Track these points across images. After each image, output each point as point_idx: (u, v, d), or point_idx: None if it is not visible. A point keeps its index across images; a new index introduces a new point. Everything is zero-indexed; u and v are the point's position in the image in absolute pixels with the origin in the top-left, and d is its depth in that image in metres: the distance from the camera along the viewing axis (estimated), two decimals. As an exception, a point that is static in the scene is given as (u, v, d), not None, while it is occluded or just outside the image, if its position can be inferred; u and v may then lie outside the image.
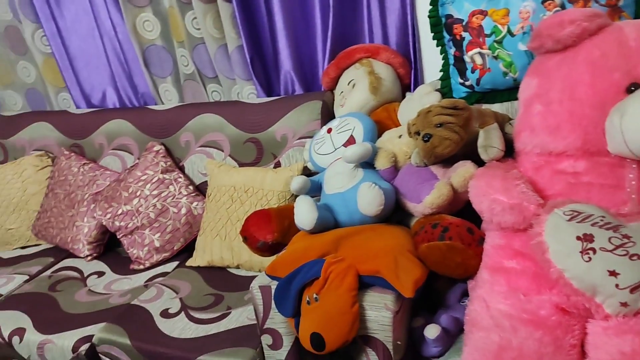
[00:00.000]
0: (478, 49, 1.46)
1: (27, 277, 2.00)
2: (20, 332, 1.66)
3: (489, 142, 1.25)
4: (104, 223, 1.99)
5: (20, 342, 1.64)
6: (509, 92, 1.48)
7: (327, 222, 1.36)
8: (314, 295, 1.17)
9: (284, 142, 1.85)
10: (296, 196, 1.69)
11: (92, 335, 1.58)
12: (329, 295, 1.15)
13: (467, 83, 1.52)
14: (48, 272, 2.01)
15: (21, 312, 1.74)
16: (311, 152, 1.60)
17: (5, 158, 2.45)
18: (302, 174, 1.68)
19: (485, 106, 1.50)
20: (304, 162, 1.76)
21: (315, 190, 1.53)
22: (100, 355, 1.58)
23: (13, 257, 2.20)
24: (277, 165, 1.87)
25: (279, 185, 1.73)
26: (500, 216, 1.09)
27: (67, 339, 1.58)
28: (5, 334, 1.67)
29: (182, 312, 1.60)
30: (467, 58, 1.49)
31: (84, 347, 1.56)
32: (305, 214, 1.32)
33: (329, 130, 1.57)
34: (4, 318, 1.72)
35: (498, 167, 1.21)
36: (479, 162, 1.27)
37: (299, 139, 1.82)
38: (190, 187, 1.99)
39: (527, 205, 1.07)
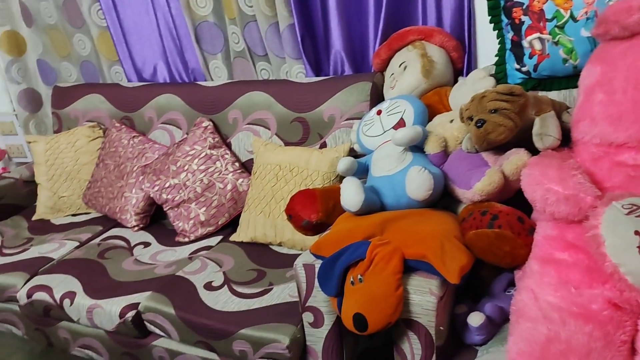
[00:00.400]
0: (538, 34, 1.41)
1: (78, 244, 2.07)
2: (71, 295, 1.72)
3: (545, 130, 1.22)
4: (152, 195, 2.04)
5: (71, 305, 1.71)
6: (568, 80, 1.44)
7: (373, 205, 1.36)
8: (359, 276, 1.17)
9: (331, 122, 1.84)
10: (341, 178, 1.70)
11: (139, 303, 1.63)
12: (374, 277, 1.15)
13: (523, 69, 1.48)
14: (97, 240, 2.07)
15: (72, 277, 1.81)
16: (359, 134, 1.59)
17: (59, 128, 2.52)
18: (348, 156, 1.67)
19: (541, 94, 1.46)
20: (350, 144, 1.76)
21: (361, 172, 1.52)
22: (145, 322, 1.62)
23: (64, 223, 2.28)
24: (323, 145, 1.87)
25: (324, 166, 1.74)
26: (555, 206, 1.07)
27: (114, 305, 1.64)
28: (57, 296, 1.73)
29: (226, 286, 1.63)
30: (525, 43, 1.45)
31: (130, 314, 1.62)
32: (352, 195, 1.32)
33: (379, 112, 1.56)
34: (56, 281, 1.79)
35: (554, 156, 1.17)
36: (533, 151, 1.24)
37: (347, 120, 1.81)
38: (237, 164, 2.01)
39: (584, 196, 1.04)
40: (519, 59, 1.48)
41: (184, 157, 2.02)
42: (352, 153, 1.74)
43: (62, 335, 1.84)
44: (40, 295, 1.77)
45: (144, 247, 1.98)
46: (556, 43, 1.39)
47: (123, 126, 2.28)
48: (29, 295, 1.80)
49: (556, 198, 1.06)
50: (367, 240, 1.23)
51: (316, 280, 1.29)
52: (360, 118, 1.76)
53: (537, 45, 1.43)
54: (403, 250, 1.19)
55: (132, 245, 2.01)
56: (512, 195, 1.29)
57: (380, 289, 1.13)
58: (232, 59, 2.18)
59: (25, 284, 1.84)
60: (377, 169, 1.43)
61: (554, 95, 1.46)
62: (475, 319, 1.18)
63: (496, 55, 1.56)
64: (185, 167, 2.00)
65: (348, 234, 1.29)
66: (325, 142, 1.87)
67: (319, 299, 1.31)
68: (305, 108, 1.89)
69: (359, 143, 1.60)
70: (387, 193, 1.37)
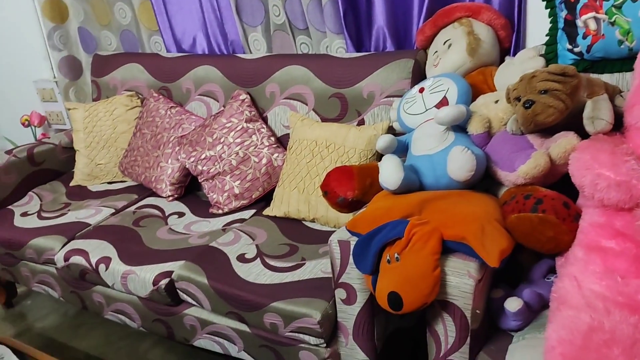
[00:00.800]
0: (593, 13, 1.35)
1: (114, 211, 2.10)
2: (106, 260, 1.75)
3: (597, 113, 1.17)
4: (187, 166, 2.05)
5: (106, 270, 1.74)
6: (622, 63, 1.38)
7: (412, 184, 1.33)
8: (395, 255, 1.15)
9: (370, 99, 1.81)
10: (378, 156, 1.68)
11: (172, 272, 1.65)
12: (411, 257, 1.13)
13: (576, 50, 1.42)
14: (132, 208, 2.10)
15: (108, 243, 1.83)
16: (400, 112, 1.56)
17: (98, 96, 2.55)
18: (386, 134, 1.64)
19: (594, 76, 1.40)
20: (389, 122, 1.73)
21: (400, 151, 1.49)
22: (178, 290, 1.64)
23: (101, 190, 2.31)
24: (361, 122, 1.85)
25: (361, 143, 1.71)
26: (604, 193, 1.03)
27: (148, 272, 1.66)
28: (93, 261, 1.77)
29: (258, 259, 1.63)
30: (579, 22, 1.39)
31: (163, 282, 1.63)
32: (391, 173, 1.29)
33: (421, 90, 1.52)
34: (93, 246, 1.82)
35: (605, 140, 1.13)
36: (581, 136, 1.19)
37: (386, 97, 1.78)
38: (272, 138, 2.00)
39: (637, 183, 1.00)
40: (572, 39, 1.42)
41: (220, 129, 2.02)
42: (391, 131, 1.71)
43: (97, 299, 1.88)
44: (76, 259, 1.81)
45: (178, 217, 2.00)
46: (612, 23, 1.33)
47: (161, 96, 2.29)
48: (65, 259, 1.83)
49: (607, 184, 1.02)
50: (405, 219, 1.21)
51: (351, 257, 1.28)
52: (400, 96, 1.72)
53: (592, 25, 1.37)
54: (442, 231, 1.17)
55: (166, 214, 2.03)
56: (556, 180, 1.25)
57: (417, 268, 1.11)
58: (272, 32, 2.15)
59: (62, 247, 1.88)
60: (417, 148, 1.40)
61: (606, 78, 1.40)
62: (513, 304, 1.16)
63: (547, 35, 1.50)
64: (221, 140, 2.00)
65: (385, 212, 1.27)
66: (363, 119, 1.84)
67: (353, 275, 1.30)
68: (344, 84, 1.87)
69: (399, 121, 1.57)
70: (427, 173, 1.34)
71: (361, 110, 1.84)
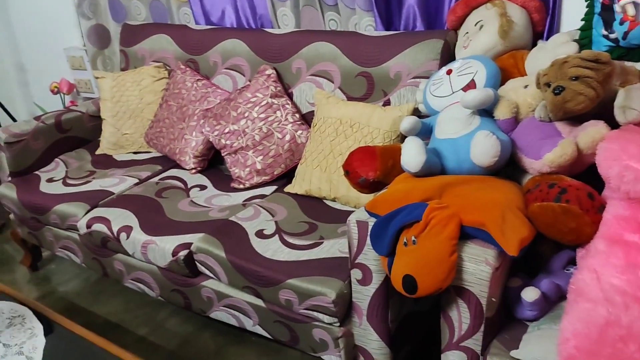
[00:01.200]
0: (633, -2, 1.30)
1: (137, 181, 2.12)
2: (127, 229, 1.78)
3: (629, 102, 1.13)
4: (211, 139, 2.05)
5: (127, 238, 1.77)
6: (660, 51, 1.33)
7: (434, 167, 1.32)
8: (412, 238, 1.14)
9: (397, 79, 1.79)
10: (402, 138, 1.65)
11: (191, 243, 1.66)
12: (429, 240, 1.12)
13: (611, 36, 1.37)
14: (156, 179, 2.12)
15: (130, 212, 1.86)
16: (426, 93, 1.54)
17: (126, 65, 2.57)
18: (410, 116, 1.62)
19: (628, 64, 1.35)
20: (414, 103, 1.70)
21: (424, 133, 1.47)
22: (196, 262, 1.66)
23: (126, 160, 2.34)
24: (387, 103, 1.82)
25: (385, 124, 1.69)
26: (632, 185, 1.00)
27: (168, 243, 1.68)
28: (115, 229, 1.80)
29: (277, 235, 1.64)
30: (617, 7, 1.33)
31: (182, 253, 1.65)
32: (413, 155, 1.28)
33: (449, 72, 1.49)
34: (115, 214, 1.85)
35: (636, 131, 1.09)
36: (611, 125, 1.16)
37: (413, 78, 1.75)
38: (297, 115, 1.99)
39: (666, 177, 0.97)
40: (608, 24, 1.37)
41: (245, 103, 2.02)
42: (416, 113, 1.68)
43: (117, 267, 1.92)
44: (98, 227, 1.84)
45: (200, 190, 2.01)
46: (652, 9, 1.28)
47: (188, 69, 2.29)
48: (88, 226, 1.87)
49: (634, 176, 1.00)
50: (425, 203, 1.20)
51: (368, 238, 1.27)
52: (427, 77, 1.69)
53: (631, 11, 1.31)
54: (461, 216, 1.15)
55: (188, 187, 2.05)
56: (582, 170, 1.22)
57: (434, 252, 1.10)
58: (300, 7, 2.13)
59: (85, 214, 1.92)
60: (441, 131, 1.38)
61: (641, 66, 1.35)
62: (530, 294, 1.14)
63: (582, 19, 1.45)
64: (246, 114, 2.00)
65: (405, 195, 1.26)
66: (389, 99, 1.81)
67: (369, 256, 1.30)
68: (372, 63, 1.84)
69: (425, 103, 1.55)
70: (450, 157, 1.32)
71: (387, 90, 1.81)
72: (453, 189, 1.24)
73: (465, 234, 1.15)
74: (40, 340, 1.37)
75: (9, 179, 2.23)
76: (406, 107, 1.69)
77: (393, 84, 1.80)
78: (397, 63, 1.78)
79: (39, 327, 1.43)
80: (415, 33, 1.81)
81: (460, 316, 1.17)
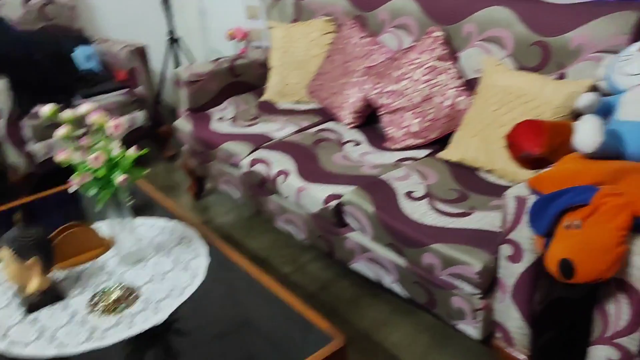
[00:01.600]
0: None
1: (297, 129, 2.23)
2: (285, 173, 1.88)
3: None
4: (370, 97, 2.08)
5: (284, 182, 1.88)
6: None
7: (611, 151, 1.22)
8: (577, 222, 1.08)
9: (577, 52, 1.66)
10: (574, 116, 1.55)
11: (342, 195, 1.73)
12: (596, 227, 1.05)
13: None
14: (314, 129, 2.21)
15: (289, 157, 1.97)
16: (612, 70, 1.41)
17: (297, 17, 2.66)
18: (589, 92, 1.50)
19: None
20: (593, 80, 1.57)
21: (601, 113, 1.36)
22: (345, 213, 1.72)
23: (287, 109, 2.46)
24: (561, 77, 1.70)
25: (557, 99, 1.59)
26: None
27: (321, 191, 1.76)
28: (274, 172, 1.91)
29: (426, 199, 1.64)
30: None
31: (333, 202, 1.72)
32: (589, 135, 1.20)
33: (643, 49, 1.36)
34: (275, 158, 1.97)
35: None
36: None
37: (597, 52, 1.61)
38: (460, 80, 1.94)
39: None
40: None
41: (408, 64, 2.00)
42: (593, 90, 1.56)
43: (271, 207, 2.05)
44: (259, 168, 1.98)
45: (354, 145, 2.06)
46: None
47: (355, 25, 2.32)
48: (250, 165, 2.01)
49: None
50: (594, 187, 1.12)
51: (525, 215, 1.23)
52: (613, 52, 1.55)
53: None
54: (636, 207, 1.06)
55: (343, 141, 2.10)
56: None
57: (600, 240, 1.04)
58: (479, -32, 2.04)
59: (248, 154, 2.06)
60: (625, 112, 1.27)
61: None
62: None
63: None
64: (408, 75, 1.99)
65: (574, 176, 1.19)
66: (564, 73, 1.70)
67: (523, 234, 1.26)
68: (551, 32, 1.72)
69: (608, 81, 1.43)
70: (632, 141, 1.22)
71: (565, 63, 1.69)
72: (631, 177, 1.14)
73: (638, 226, 1.07)
74: (203, 260, 1.53)
75: (187, 113, 2.46)
76: (583, 83, 1.57)
77: (572, 56, 1.67)
78: (580, 34, 1.65)
79: (204, 248, 1.59)
80: (606, 3, 1.65)
81: (618, 312, 1.10)
